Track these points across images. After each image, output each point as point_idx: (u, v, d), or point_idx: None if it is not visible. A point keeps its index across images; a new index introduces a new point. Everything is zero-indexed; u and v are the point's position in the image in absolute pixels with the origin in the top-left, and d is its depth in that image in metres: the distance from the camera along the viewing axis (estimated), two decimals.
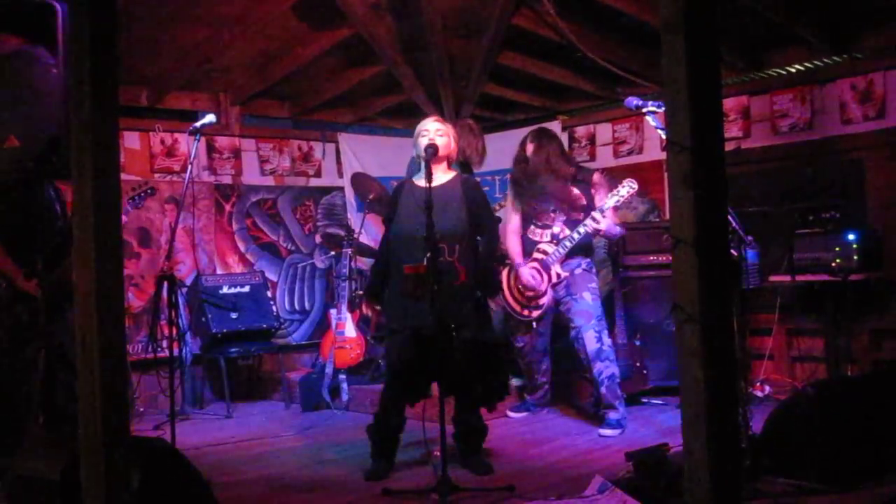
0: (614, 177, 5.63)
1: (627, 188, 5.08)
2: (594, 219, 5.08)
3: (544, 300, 5.32)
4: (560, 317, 5.41)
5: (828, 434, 3.63)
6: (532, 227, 5.40)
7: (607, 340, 5.20)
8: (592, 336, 5.15)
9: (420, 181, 4.33)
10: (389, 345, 4.46)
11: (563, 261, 5.26)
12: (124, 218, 5.86)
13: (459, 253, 4.31)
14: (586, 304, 5.20)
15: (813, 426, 3.67)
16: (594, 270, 5.40)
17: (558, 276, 5.25)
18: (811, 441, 3.64)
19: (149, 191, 5.71)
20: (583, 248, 5.30)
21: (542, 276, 5.29)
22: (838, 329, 5.57)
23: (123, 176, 6.14)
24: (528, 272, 5.29)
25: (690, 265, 1.92)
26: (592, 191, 5.30)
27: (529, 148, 5.42)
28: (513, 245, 5.46)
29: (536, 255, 5.31)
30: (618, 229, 5.30)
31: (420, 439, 4.32)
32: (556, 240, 5.26)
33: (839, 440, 3.63)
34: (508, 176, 5.86)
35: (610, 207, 5.10)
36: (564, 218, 5.28)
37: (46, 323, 3.96)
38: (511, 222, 5.52)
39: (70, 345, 3.43)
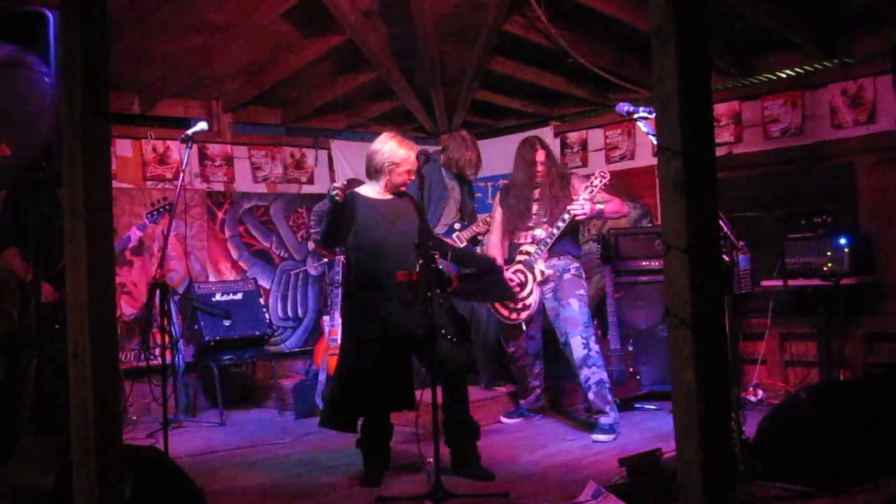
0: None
1: (599, 179, 5.11)
2: (581, 206, 5.08)
3: (531, 300, 5.32)
4: (549, 322, 5.41)
5: (821, 438, 3.64)
6: (517, 231, 5.41)
7: (594, 346, 5.19)
8: (579, 342, 5.15)
9: (370, 193, 4.36)
10: (368, 354, 4.24)
11: (547, 258, 5.27)
12: (139, 233, 5.84)
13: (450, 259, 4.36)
14: (573, 311, 5.20)
15: (806, 430, 3.68)
16: (584, 276, 5.40)
17: (542, 273, 5.26)
18: (804, 445, 3.65)
19: (168, 206, 5.66)
20: (570, 247, 5.32)
21: (525, 276, 5.29)
22: (831, 333, 5.58)
23: (115, 184, 6.11)
24: (507, 275, 5.30)
25: (682, 270, 1.93)
26: (571, 191, 5.32)
27: (540, 154, 5.35)
28: (494, 251, 5.47)
29: (520, 256, 5.32)
30: (598, 207, 5.18)
31: (413, 446, 4.31)
32: (536, 241, 5.27)
33: (832, 444, 3.64)
34: (502, 182, 5.86)
35: (597, 189, 5.12)
36: (546, 223, 5.29)
37: (59, 331, 3.96)
38: (495, 229, 5.54)
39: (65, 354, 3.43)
